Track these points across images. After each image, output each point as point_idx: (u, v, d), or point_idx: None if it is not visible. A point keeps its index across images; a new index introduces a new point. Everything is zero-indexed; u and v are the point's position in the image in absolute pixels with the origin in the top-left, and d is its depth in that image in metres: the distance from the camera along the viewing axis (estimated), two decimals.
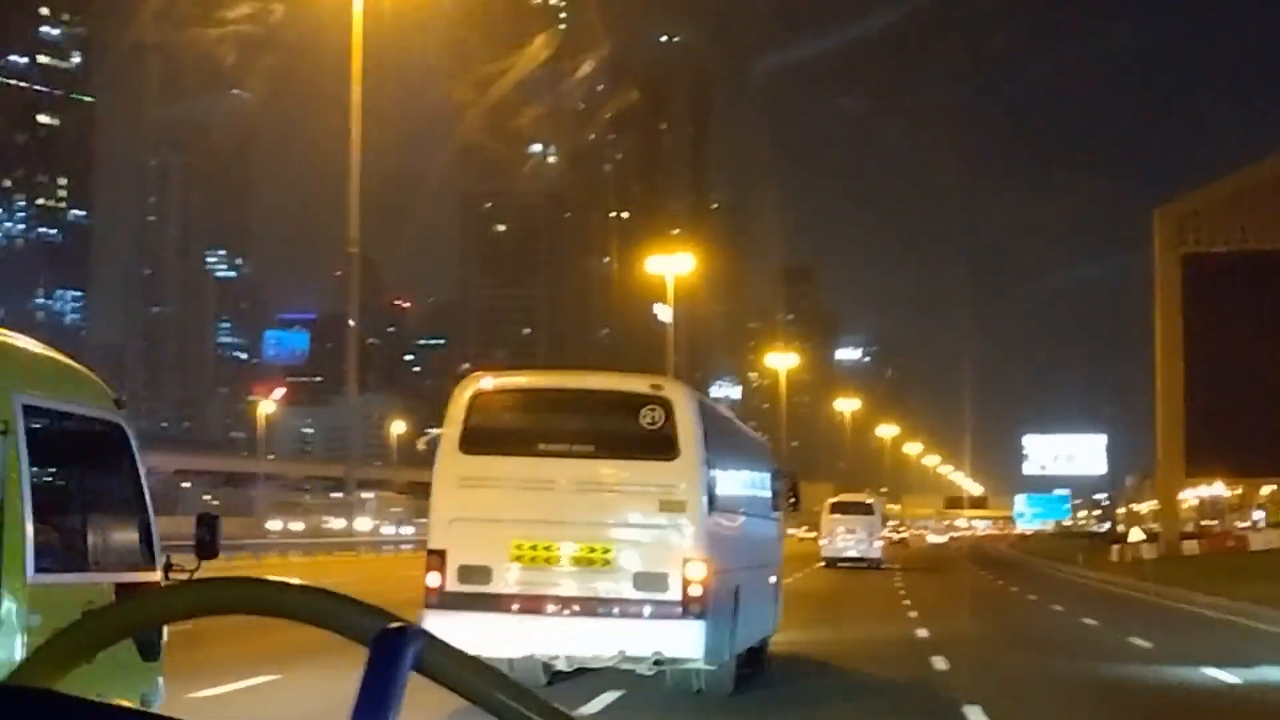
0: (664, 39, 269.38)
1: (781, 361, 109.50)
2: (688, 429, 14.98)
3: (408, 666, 1.33)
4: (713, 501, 15.31)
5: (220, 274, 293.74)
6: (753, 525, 18.75)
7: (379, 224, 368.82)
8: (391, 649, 1.33)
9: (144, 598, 1.60)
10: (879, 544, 61.89)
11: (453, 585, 14.66)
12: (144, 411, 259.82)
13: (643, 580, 14.66)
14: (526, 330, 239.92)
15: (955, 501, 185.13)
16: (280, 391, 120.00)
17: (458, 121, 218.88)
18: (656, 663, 14.82)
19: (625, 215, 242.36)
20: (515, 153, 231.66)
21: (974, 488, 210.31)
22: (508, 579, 14.70)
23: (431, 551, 14.93)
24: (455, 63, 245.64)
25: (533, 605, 14.65)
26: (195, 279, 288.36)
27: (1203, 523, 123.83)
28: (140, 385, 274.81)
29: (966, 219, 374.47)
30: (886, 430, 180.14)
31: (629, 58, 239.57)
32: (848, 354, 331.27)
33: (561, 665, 15.26)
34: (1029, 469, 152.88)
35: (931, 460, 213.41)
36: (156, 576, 8.64)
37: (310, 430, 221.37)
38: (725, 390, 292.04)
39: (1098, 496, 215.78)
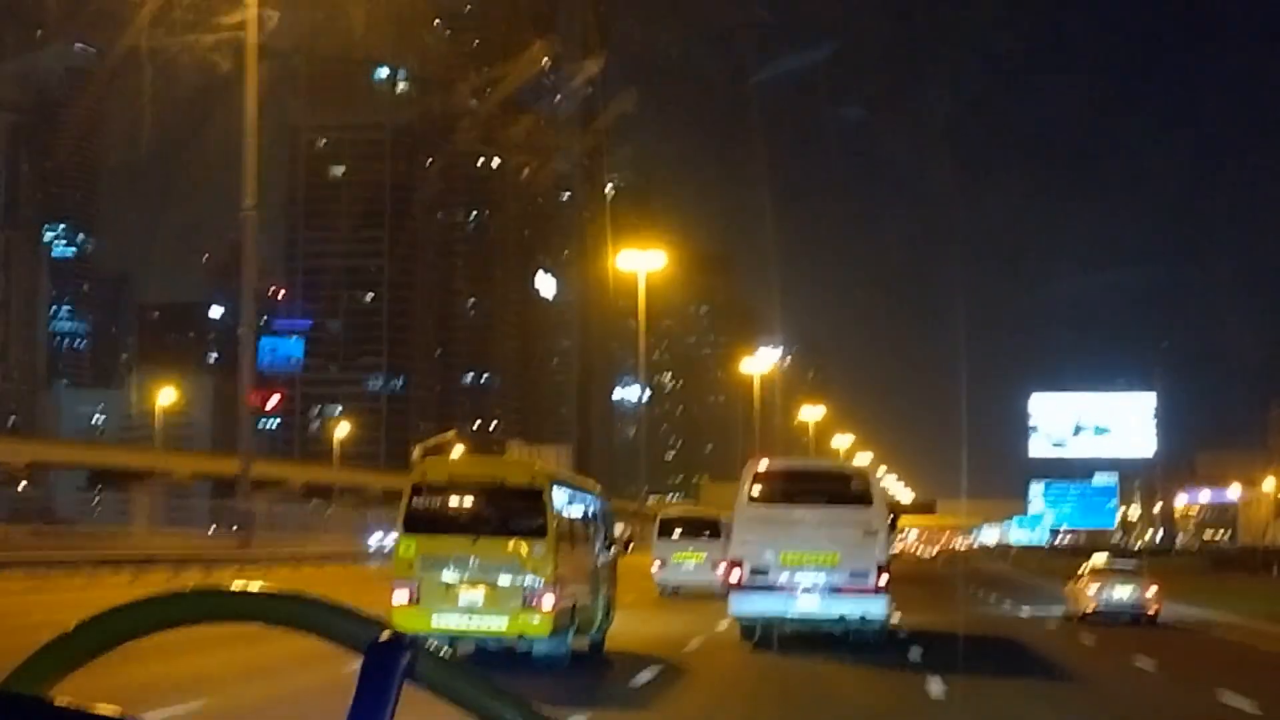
0: None
1: (641, 262, 75.26)
2: (876, 489, 28.31)
3: (401, 675, 1.34)
4: (889, 530, 27.92)
5: (59, 251, 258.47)
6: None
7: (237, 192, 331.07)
8: (385, 658, 1.33)
9: (139, 606, 1.55)
10: None
11: (746, 580, 27.05)
12: None
13: (854, 575, 26.82)
14: (369, 296, 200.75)
15: (897, 507, 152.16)
16: (276, 398, 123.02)
17: (289, 37, 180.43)
18: (863, 619, 26.74)
19: (496, 163, 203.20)
20: (357, 77, 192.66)
21: (905, 494, 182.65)
22: (778, 574, 26.97)
23: (732, 560, 27.71)
24: None
25: (793, 589, 26.85)
26: (25, 255, 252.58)
27: None
28: None
29: (907, 215, 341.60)
30: (811, 412, 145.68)
31: None
32: (767, 354, 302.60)
33: (787, 629, 27.39)
34: (1036, 448, 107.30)
35: (864, 458, 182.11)
36: (615, 553, 26.20)
37: (102, 416, 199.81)
38: (630, 391, 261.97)
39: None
